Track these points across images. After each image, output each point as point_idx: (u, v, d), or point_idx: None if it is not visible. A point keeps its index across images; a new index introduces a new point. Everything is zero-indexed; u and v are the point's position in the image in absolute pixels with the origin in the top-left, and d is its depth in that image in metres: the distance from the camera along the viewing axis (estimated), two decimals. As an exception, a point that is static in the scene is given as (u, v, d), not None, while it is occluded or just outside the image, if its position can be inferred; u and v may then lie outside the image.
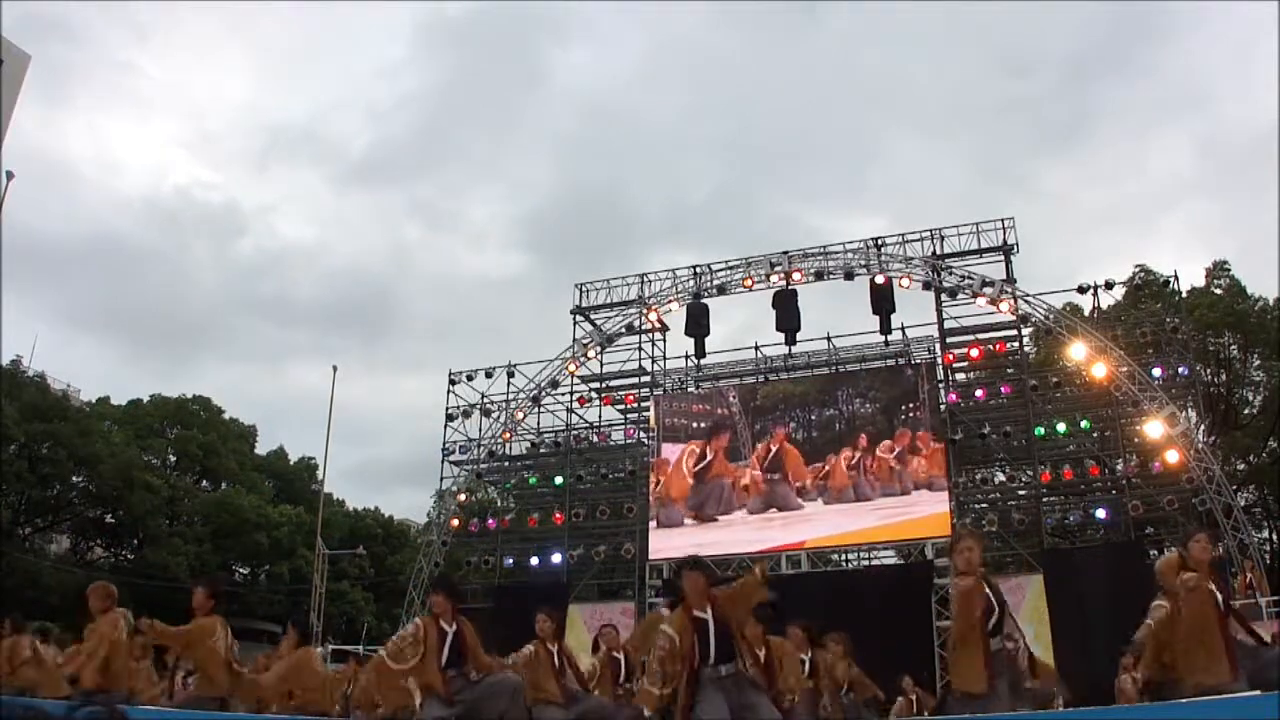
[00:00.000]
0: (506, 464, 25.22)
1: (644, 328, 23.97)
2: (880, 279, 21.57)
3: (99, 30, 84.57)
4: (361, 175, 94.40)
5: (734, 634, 5.60)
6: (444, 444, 24.26)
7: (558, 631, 7.80)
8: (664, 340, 24.67)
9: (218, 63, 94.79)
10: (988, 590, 5.40)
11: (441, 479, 24.58)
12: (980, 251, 21.66)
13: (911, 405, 21.02)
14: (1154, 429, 19.20)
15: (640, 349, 23.91)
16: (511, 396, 24.12)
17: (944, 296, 21.44)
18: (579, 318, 24.44)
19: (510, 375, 24.15)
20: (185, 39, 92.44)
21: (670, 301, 23.56)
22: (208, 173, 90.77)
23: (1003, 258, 21.48)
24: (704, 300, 23.19)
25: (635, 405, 24.28)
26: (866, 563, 23.71)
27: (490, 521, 24.39)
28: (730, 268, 23.43)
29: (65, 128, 80.00)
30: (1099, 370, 19.94)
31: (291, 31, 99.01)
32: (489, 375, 24.18)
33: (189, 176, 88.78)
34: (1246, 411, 29.87)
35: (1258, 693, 4.96)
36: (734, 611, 5.69)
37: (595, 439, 24.00)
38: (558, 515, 23.04)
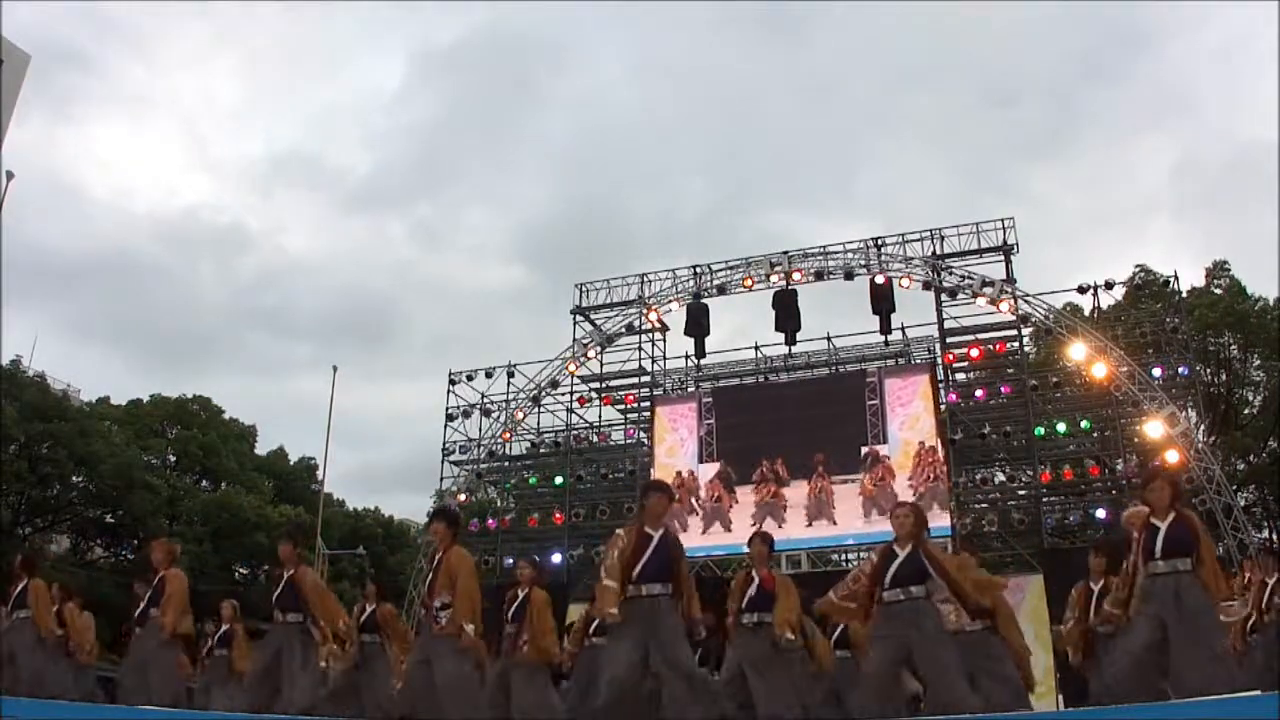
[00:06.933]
0: (506, 464, 25.22)
1: (644, 328, 23.97)
2: (880, 279, 21.56)
3: (109, 56, 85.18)
4: (362, 196, 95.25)
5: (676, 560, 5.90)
6: (444, 444, 24.26)
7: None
8: (664, 340, 24.70)
9: (223, 88, 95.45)
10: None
11: (441, 479, 24.58)
12: (980, 251, 21.65)
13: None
14: (1154, 429, 19.19)
15: (640, 349, 23.93)
16: (511, 396, 24.12)
17: (944, 296, 21.44)
18: (579, 318, 24.42)
19: (510, 375, 24.14)
20: (190, 66, 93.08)
21: (670, 301, 23.56)
22: (214, 194, 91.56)
23: (1003, 258, 21.48)
24: (704, 300, 23.19)
25: (635, 405, 24.29)
26: (866, 562, 23.64)
27: (490, 521, 24.35)
28: (730, 268, 23.42)
29: (74, 148, 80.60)
30: (1099, 370, 19.93)
31: (295, 58, 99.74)
32: (489, 375, 24.16)
33: (196, 196, 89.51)
34: (1246, 411, 29.87)
35: (1257, 693, 4.96)
36: None
37: (595, 439, 24.02)
38: (558, 515, 23.03)
